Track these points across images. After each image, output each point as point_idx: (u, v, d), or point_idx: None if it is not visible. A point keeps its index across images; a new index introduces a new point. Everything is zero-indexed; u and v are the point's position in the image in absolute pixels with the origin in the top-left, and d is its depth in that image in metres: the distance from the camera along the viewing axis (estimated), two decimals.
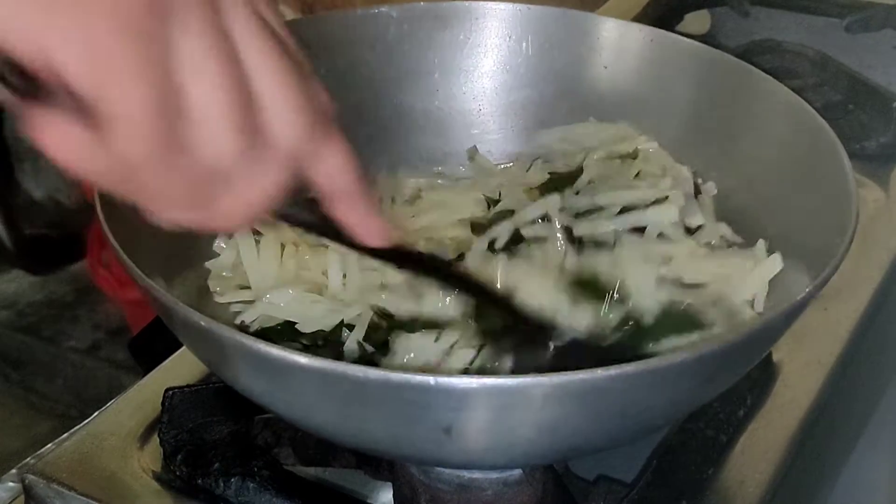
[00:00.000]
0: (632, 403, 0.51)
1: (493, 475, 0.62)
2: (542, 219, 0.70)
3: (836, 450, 0.84)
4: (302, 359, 0.48)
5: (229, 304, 0.68)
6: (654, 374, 0.49)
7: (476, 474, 0.62)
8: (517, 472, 0.62)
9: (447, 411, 0.49)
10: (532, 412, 0.49)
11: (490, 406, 0.49)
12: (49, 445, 0.70)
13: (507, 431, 0.51)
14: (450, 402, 0.48)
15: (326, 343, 0.65)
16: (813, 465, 0.75)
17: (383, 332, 0.65)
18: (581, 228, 0.70)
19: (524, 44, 0.81)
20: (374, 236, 0.52)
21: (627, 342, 0.64)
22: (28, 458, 0.69)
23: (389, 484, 0.66)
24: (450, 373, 0.61)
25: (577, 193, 0.73)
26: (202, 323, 0.51)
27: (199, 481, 0.66)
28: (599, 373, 0.47)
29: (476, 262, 0.68)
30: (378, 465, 0.66)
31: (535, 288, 0.64)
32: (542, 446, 0.53)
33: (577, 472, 0.66)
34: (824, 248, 0.60)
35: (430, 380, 0.47)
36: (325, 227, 0.53)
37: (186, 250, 0.67)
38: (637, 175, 0.74)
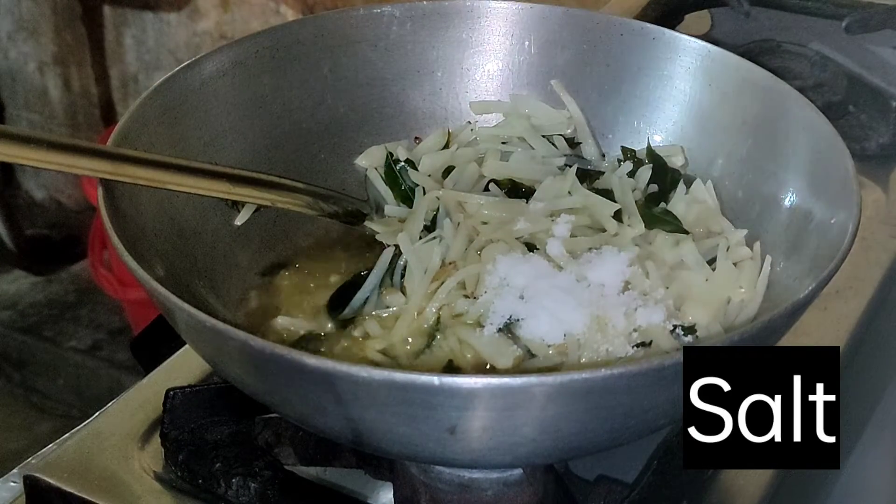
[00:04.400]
0: (635, 402, 0.51)
1: (494, 475, 0.62)
2: None
3: None
4: (307, 359, 0.49)
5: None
6: (658, 372, 0.49)
7: (476, 474, 0.62)
8: (518, 471, 0.62)
9: (451, 411, 0.49)
10: (535, 411, 0.50)
11: (494, 406, 0.49)
12: (50, 445, 0.70)
13: (510, 431, 0.51)
14: (454, 401, 0.48)
15: None
16: None
17: None
18: None
19: (526, 42, 0.81)
20: None
21: None
22: (29, 458, 0.69)
23: (390, 484, 0.66)
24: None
25: None
26: (206, 322, 0.51)
27: (201, 481, 0.66)
28: (602, 372, 0.48)
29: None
30: (379, 464, 0.66)
31: None
32: (546, 445, 0.53)
33: (578, 472, 0.66)
34: (826, 248, 0.60)
35: (435, 380, 0.47)
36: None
37: (189, 250, 0.68)
38: None
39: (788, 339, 0.75)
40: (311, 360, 0.49)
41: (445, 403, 0.48)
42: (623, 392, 0.50)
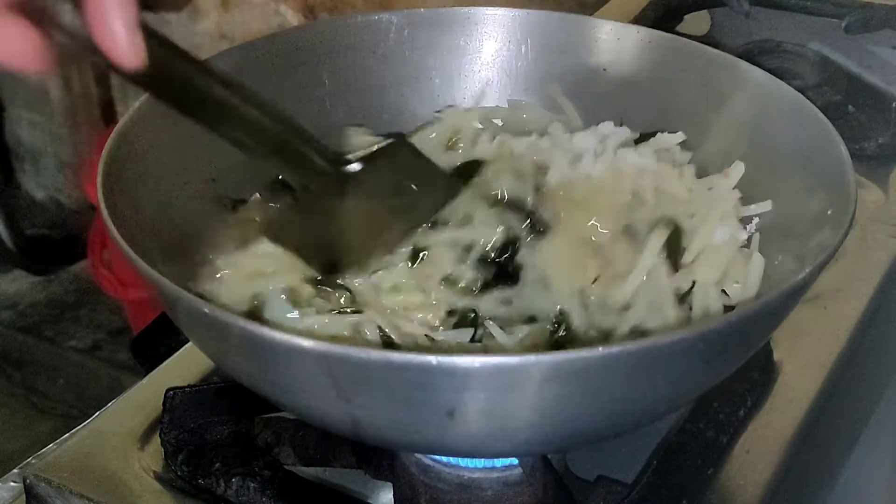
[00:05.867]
0: (632, 383, 0.51)
1: (494, 474, 0.62)
2: None
3: (836, 450, 0.84)
4: (305, 342, 0.49)
5: None
6: (655, 352, 0.49)
7: (476, 474, 0.62)
8: (517, 471, 0.62)
9: (450, 392, 0.49)
10: (533, 391, 0.49)
11: (492, 385, 0.49)
12: (50, 445, 0.70)
13: (509, 414, 0.51)
14: (452, 382, 0.48)
15: None
16: (813, 465, 0.76)
17: None
18: None
19: (523, 48, 0.81)
20: (127, 55, 0.48)
21: None
22: (29, 458, 0.69)
23: (390, 484, 0.66)
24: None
25: None
26: (205, 310, 0.51)
27: (200, 481, 0.66)
28: (600, 350, 0.47)
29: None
30: (379, 464, 0.66)
31: None
32: (545, 431, 0.53)
33: (578, 472, 0.66)
34: (824, 241, 0.60)
35: (433, 359, 0.47)
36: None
37: (188, 246, 0.68)
38: None
39: (789, 339, 0.76)
40: (309, 343, 0.49)
41: (443, 384, 0.48)
42: (622, 371, 0.49)
